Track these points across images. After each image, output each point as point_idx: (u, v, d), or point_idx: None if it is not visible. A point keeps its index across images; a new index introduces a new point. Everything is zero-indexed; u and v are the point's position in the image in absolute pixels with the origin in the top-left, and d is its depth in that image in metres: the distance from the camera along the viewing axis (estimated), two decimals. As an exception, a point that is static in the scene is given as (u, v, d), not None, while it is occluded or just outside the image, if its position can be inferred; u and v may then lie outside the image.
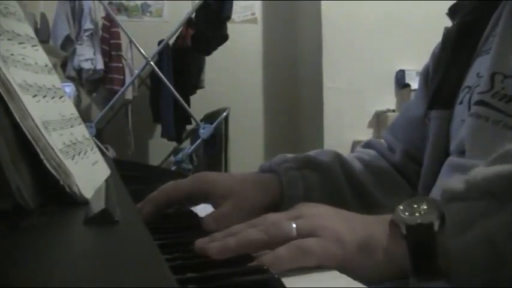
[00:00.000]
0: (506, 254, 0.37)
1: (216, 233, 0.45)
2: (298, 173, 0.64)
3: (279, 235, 0.42)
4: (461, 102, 0.60)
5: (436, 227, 0.40)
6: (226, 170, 2.90)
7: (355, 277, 0.43)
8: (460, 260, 0.39)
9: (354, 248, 0.43)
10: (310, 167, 0.65)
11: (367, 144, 0.77)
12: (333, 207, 0.49)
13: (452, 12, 0.68)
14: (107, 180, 0.55)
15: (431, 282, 0.43)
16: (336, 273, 0.43)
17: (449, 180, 0.43)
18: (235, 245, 0.41)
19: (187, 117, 3.10)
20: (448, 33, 0.67)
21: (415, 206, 0.43)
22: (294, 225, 0.43)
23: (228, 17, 2.94)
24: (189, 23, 3.04)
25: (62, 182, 0.40)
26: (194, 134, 3.10)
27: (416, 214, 0.42)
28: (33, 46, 0.52)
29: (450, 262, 0.40)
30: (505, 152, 0.42)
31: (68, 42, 2.92)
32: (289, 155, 0.67)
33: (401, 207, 0.43)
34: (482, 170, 0.41)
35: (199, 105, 3.25)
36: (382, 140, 0.77)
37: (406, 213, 0.42)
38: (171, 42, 3.10)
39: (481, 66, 0.58)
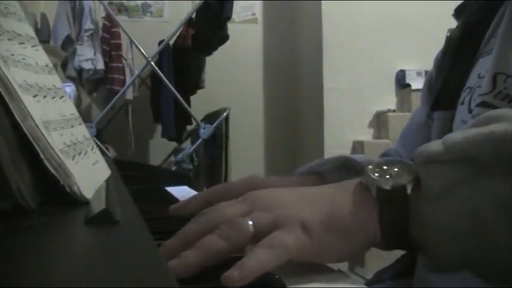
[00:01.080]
0: (489, 226, 0.35)
1: (171, 241, 0.40)
2: (341, 173, 0.64)
3: (237, 238, 0.39)
4: (462, 103, 0.60)
5: (409, 189, 0.38)
6: (226, 170, 2.90)
7: (326, 260, 0.40)
8: (436, 227, 0.37)
9: (320, 230, 0.39)
10: (348, 167, 0.65)
11: (385, 154, 0.78)
12: (285, 186, 0.45)
13: (458, 13, 0.68)
14: (107, 180, 0.55)
15: (395, 248, 0.40)
16: (336, 273, 0.43)
17: (425, 144, 0.40)
18: (195, 262, 0.37)
19: (187, 117, 3.10)
20: (451, 35, 0.67)
21: (386, 167, 0.40)
22: (250, 222, 0.39)
23: (229, 17, 2.94)
24: (189, 23, 3.04)
25: (62, 182, 0.40)
26: (194, 134, 3.10)
27: (387, 176, 0.40)
28: (33, 46, 0.52)
29: (428, 230, 0.37)
30: (485, 116, 0.40)
31: (69, 42, 2.92)
32: (324, 159, 0.67)
33: (371, 168, 0.41)
34: (461, 132, 0.39)
35: (199, 105, 3.25)
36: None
37: (376, 175, 0.40)
38: (171, 42, 3.09)
39: (482, 67, 0.58)
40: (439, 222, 0.37)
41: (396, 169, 0.40)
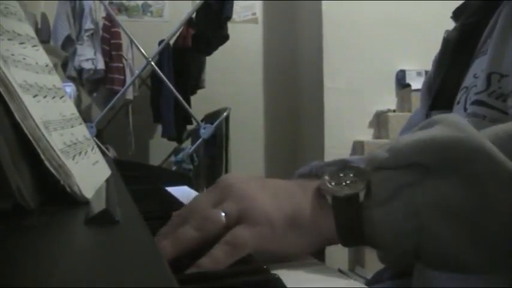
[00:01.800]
0: (428, 224, 0.38)
1: (158, 237, 0.44)
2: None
3: (211, 229, 0.42)
4: (458, 102, 0.60)
5: (361, 197, 0.41)
6: (226, 170, 2.90)
7: (283, 254, 0.44)
8: (384, 229, 0.40)
9: (282, 226, 0.43)
10: (349, 169, 0.66)
11: None
12: (255, 177, 0.48)
13: (456, 15, 0.68)
14: (107, 180, 0.55)
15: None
16: (336, 274, 0.43)
17: (376, 150, 0.43)
18: (172, 251, 0.41)
19: (187, 117, 3.10)
20: (448, 36, 0.67)
21: (342, 175, 0.44)
22: (223, 214, 0.42)
23: (229, 17, 2.94)
24: (189, 23, 3.04)
25: (62, 182, 0.40)
26: (195, 134, 3.10)
27: (343, 184, 0.43)
28: (33, 46, 0.52)
29: (377, 233, 0.40)
30: (428, 121, 0.42)
31: (69, 42, 2.92)
32: (324, 161, 0.69)
33: (328, 177, 0.44)
34: (405, 138, 0.41)
35: (199, 105, 3.25)
36: None
37: (333, 183, 0.43)
38: (171, 42, 3.10)
39: (478, 67, 0.59)
40: (384, 224, 0.40)
41: (351, 175, 0.43)
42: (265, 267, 0.40)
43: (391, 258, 0.41)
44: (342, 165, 0.66)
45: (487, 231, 0.37)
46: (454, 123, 0.40)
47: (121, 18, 3.23)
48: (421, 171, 0.39)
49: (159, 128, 3.32)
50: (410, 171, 0.40)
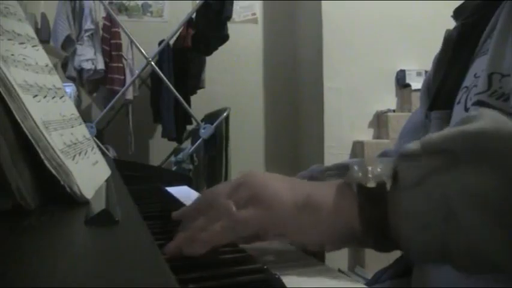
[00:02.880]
0: (457, 211, 0.37)
1: (179, 233, 0.45)
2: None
3: (220, 218, 0.43)
4: (458, 102, 0.60)
5: (388, 186, 0.40)
6: (226, 170, 2.89)
7: (300, 239, 0.44)
8: (411, 215, 0.39)
9: (289, 205, 0.43)
10: None
11: (384, 154, 0.78)
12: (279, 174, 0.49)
13: (457, 14, 0.68)
14: (107, 180, 0.55)
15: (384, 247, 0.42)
16: (336, 274, 0.43)
17: (407, 144, 0.43)
18: (201, 247, 0.42)
19: (187, 117, 3.09)
20: (449, 36, 0.67)
21: (370, 167, 0.43)
22: (233, 206, 0.43)
23: (229, 17, 2.94)
24: (189, 23, 3.04)
25: (62, 182, 0.40)
26: (194, 134, 3.10)
27: (369, 175, 0.42)
28: (33, 46, 0.52)
29: (403, 220, 0.39)
30: (466, 116, 0.41)
31: (69, 43, 2.91)
32: (325, 165, 0.69)
33: (356, 168, 0.43)
34: (439, 132, 0.41)
35: (199, 105, 3.25)
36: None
37: (360, 174, 0.42)
38: (171, 42, 3.09)
39: (478, 67, 0.59)
40: (413, 211, 0.39)
41: (379, 169, 0.42)
42: (265, 267, 0.40)
43: (416, 248, 0.39)
44: (343, 170, 0.66)
45: None
46: (492, 117, 0.39)
47: (121, 18, 3.23)
48: (450, 158, 0.38)
49: (159, 128, 3.32)
50: (439, 157, 0.39)
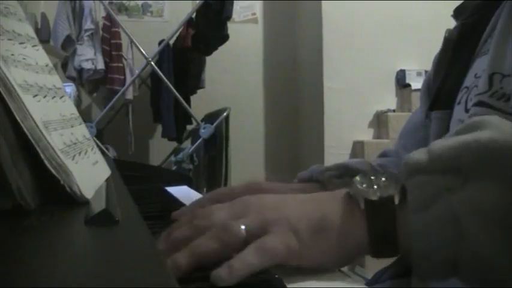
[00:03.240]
0: (469, 232, 0.35)
1: (161, 244, 0.42)
2: (341, 181, 0.64)
3: (230, 241, 0.39)
4: (459, 103, 0.60)
5: (396, 200, 0.39)
6: (226, 170, 2.89)
7: (313, 266, 0.41)
8: (421, 236, 0.37)
9: (309, 235, 0.40)
10: (350, 174, 0.65)
11: (383, 154, 0.78)
12: (278, 194, 0.46)
13: (457, 14, 0.68)
14: (107, 180, 0.55)
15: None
16: (336, 273, 0.43)
17: (412, 153, 0.40)
18: (186, 263, 0.38)
19: (187, 117, 3.10)
20: (449, 35, 0.67)
21: (373, 178, 0.41)
22: (243, 227, 0.40)
23: (229, 17, 2.94)
24: (189, 23, 3.04)
25: (62, 182, 0.40)
26: (195, 134, 3.10)
27: (375, 187, 0.40)
28: (33, 46, 0.52)
29: (413, 240, 0.38)
30: (470, 123, 0.40)
31: (69, 42, 2.91)
32: (324, 166, 0.68)
33: (359, 179, 0.41)
34: (446, 140, 0.39)
35: (199, 105, 3.25)
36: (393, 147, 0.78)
37: (364, 185, 0.41)
38: (171, 42, 3.09)
39: (479, 67, 0.58)
40: (423, 232, 0.37)
41: (383, 179, 0.41)
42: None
43: (427, 270, 0.38)
44: (343, 170, 0.66)
45: None
46: (497, 125, 0.37)
47: (121, 18, 3.23)
48: (460, 176, 0.37)
49: (159, 128, 3.32)
50: (449, 175, 0.37)
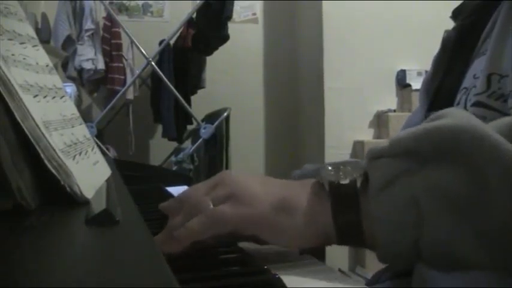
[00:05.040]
0: (430, 214, 0.37)
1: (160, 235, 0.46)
2: None
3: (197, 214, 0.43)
4: (458, 103, 0.60)
5: (358, 183, 0.41)
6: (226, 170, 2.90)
7: (276, 241, 0.43)
8: (382, 217, 0.38)
9: (267, 206, 0.43)
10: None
11: None
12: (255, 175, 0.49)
13: (455, 14, 0.68)
14: (107, 180, 0.55)
15: (355, 245, 0.42)
16: (336, 274, 0.43)
17: (380, 141, 0.43)
18: (161, 240, 0.43)
19: (188, 117, 3.10)
20: (447, 36, 0.67)
21: (342, 167, 0.43)
22: (210, 203, 0.44)
23: (229, 17, 2.94)
24: (189, 23, 3.04)
25: (62, 182, 0.40)
26: (195, 134, 3.10)
27: (341, 173, 0.42)
28: (34, 46, 0.52)
29: (375, 223, 0.39)
30: (434, 115, 0.41)
31: (69, 42, 2.92)
32: (318, 165, 0.68)
33: (328, 168, 0.43)
34: (407, 129, 0.40)
35: (200, 105, 3.25)
36: None
37: (332, 173, 0.43)
38: (171, 42, 3.09)
39: (477, 67, 0.58)
40: (385, 214, 0.38)
41: (350, 168, 0.43)
42: (265, 267, 0.40)
43: (390, 252, 0.39)
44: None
45: (487, 224, 0.35)
46: (458, 114, 0.39)
47: (121, 18, 3.23)
48: (420, 159, 0.38)
49: (159, 128, 3.32)
50: (408, 158, 0.38)
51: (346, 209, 0.41)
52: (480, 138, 0.36)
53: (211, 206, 0.43)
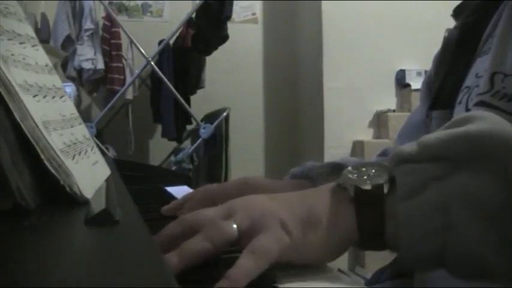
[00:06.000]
0: (459, 221, 0.36)
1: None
2: (331, 178, 0.65)
3: (222, 240, 0.40)
4: (460, 102, 0.60)
5: (385, 189, 0.39)
6: (226, 170, 2.90)
7: (306, 260, 0.41)
8: (410, 225, 0.37)
9: (299, 230, 0.40)
10: (341, 171, 0.65)
11: (384, 153, 0.78)
12: (277, 189, 0.47)
13: (456, 13, 0.68)
14: (107, 180, 0.55)
15: (374, 249, 0.40)
16: (336, 274, 0.43)
17: (403, 145, 0.41)
18: (178, 262, 0.38)
19: (187, 117, 3.10)
20: (449, 35, 0.67)
21: (364, 169, 0.42)
22: (235, 226, 0.40)
23: (229, 17, 2.94)
24: (189, 23, 3.04)
25: (62, 182, 0.40)
26: (194, 134, 3.10)
27: (365, 177, 0.41)
28: (33, 46, 0.52)
29: (400, 226, 0.38)
30: (460, 117, 0.40)
31: (69, 42, 2.91)
32: (318, 163, 0.68)
33: (350, 169, 0.42)
34: (436, 133, 0.39)
35: (199, 105, 3.25)
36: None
37: (355, 176, 0.41)
38: (171, 42, 3.09)
39: (480, 66, 0.58)
40: (412, 220, 0.38)
41: (374, 170, 0.41)
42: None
43: (414, 257, 0.38)
44: (334, 167, 0.66)
45: None
46: (487, 118, 0.38)
47: (121, 18, 3.23)
48: (449, 165, 0.37)
49: (159, 128, 3.32)
50: (438, 164, 0.38)
51: (370, 213, 0.40)
52: (510, 143, 0.35)
53: (236, 232, 0.40)
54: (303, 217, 0.41)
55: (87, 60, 2.93)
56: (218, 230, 0.40)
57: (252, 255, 0.38)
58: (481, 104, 0.54)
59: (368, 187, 0.40)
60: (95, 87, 3.22)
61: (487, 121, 0.38)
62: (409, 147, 0.40)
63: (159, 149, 3.49)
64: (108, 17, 3.07)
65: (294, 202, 0.43)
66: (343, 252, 0.43)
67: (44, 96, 0.46)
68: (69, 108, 0.54)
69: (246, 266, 0.37)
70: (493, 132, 0.36)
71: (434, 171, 0.38)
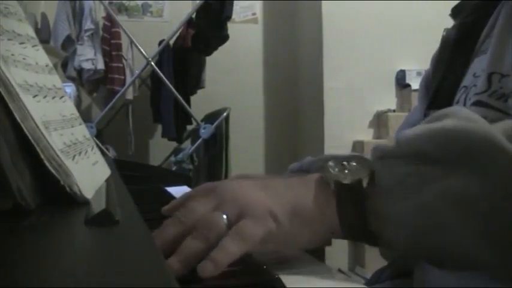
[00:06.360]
0: (437, 215, 0.37)
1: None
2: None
3: (215, 235, 0.40)
4: (457, 102, 0.60)
5: (365, 183, 0.41)
6: (226, 170, 2.90)
7: (289, 246, 0.43)
8: (392, 219, 0.39)
9: (286, 218, 0.42)
10: None
11: None
12: (248, 179, 0.48)
13: (455, 13, 0.68)
14: (107, 180, 0.55)
15: (359, 240, 0.42)
16: (336, 274, 0.43)
17: (381, 141, 0.43)
18: (181, 267, 0.39)
19: (187, 117, 3.10)
20: (447, 35, 0.67)
21: (345, 163, 0.43)
22: (224, 216, 0.41)
23: (229, 17, 2.94)
24: (189, 23, 3.04)
25: (62, 182, 0.40)
26: (195, 134, 3.10)
27: (346, 171, 0.42)
28: (33, 46, 0.52)
29: (382, 222, 0.39)
30: (437, 114, 0.41)
31: (69, 42, 2.92)
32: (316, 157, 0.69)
33: (331, 164, 0.43)
34: (414, 128, 0.40)
35: (199, 105, 3.25)
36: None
37: (336, 170, 0.43)
38: (171, 42, 3.09)
39: (477, 66, 0.58)
40: (392, 214, 0.39)
41: (354, 164, 0.42)
42: (265, 267, 0.40)
43: (395, 250, 0.40)
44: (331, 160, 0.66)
45: (496, 225, 0.36)
46: (465, 116, 0.39)
47: (121, 19, 3.23)
48: (426, 160, 0.38)
49: (159, 128, 3.32)
50: (415, 159, 0.38)
51: (350, 207, 0.41)
52: (488, 140, 0.36)
53: (226, 222, 0.41)
54: (289, 206, 0.42)
55: (87, 60, 2.93)
56: (210, 226, 0.41)
57: (236, 236, 0.40)
58: (478, 103, 0.54)
59: (347, 181, 0.41)
60: (95, 87, 3.22)
61: (460, 116, 0.39)
62: (387, 142, 0.42)
63: (159, 149, 3.49)
64: (108, 17, 3.07)
65: (281, 191, 0.44)
66: (328, 241, 0.44)
67: (44, 97, 0.46)
68: (69, 108, 0.54)
69: (230, 248, 0.39)
70: (471, 129, 0.37)
71: (412, 166, 0.39)
